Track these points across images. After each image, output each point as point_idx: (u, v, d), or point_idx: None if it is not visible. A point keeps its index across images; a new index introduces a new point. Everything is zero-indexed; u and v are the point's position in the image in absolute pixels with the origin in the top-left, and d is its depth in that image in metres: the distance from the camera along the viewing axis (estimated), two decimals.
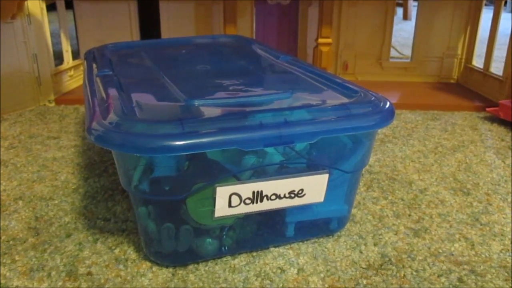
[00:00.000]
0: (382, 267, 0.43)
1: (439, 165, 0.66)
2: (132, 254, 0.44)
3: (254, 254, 0.44)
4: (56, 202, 0.54)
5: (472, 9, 1.05)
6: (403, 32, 1.91)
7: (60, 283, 0.40)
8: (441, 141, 0.76)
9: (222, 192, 0.39)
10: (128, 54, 0.67)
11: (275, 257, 0.44)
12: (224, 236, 0.43)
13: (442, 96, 1.00)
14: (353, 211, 0.53)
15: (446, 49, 1.10)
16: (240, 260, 0.43)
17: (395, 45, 1.35)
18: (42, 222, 0.50)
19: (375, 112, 0.40)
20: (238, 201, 0.40)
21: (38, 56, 0.89)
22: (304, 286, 0.40)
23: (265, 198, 0.40)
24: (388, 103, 0.42)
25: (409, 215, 0.52)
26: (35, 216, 0.51)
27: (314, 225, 0.47)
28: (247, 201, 0.40)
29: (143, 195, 0.39)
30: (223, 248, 0.43)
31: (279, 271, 0.42)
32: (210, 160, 0.39)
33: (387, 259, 0.44)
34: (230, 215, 0.41)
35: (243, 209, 0.40)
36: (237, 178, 0.39)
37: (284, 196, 0.41)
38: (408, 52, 1.23)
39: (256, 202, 0.40)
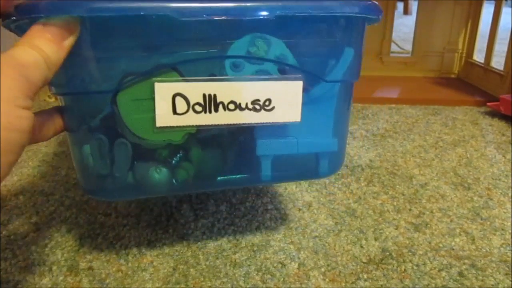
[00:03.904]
0: (383, 261, 0.43)
1: (439, 160, 0.66)
2: (133, 248, 0.44)
3: (255, 248, 0.44)
4: (57, 197, 0.54)
5: (473, 3, 1.05)
6: (404, 27, 1.90)
7: (61, 278, 0.40)
8: (441, 136, 0.76)
9: (163, 91, 0.31)
10: None
11: (276, 252, 0.44)
12: (177, 166, 0.35)
13: (443, 91, 1.00)
14: (354, 205, 0.53)
15: (446, 43, 1.10)
16: (241, 255, 0.44)
17: (396, 40, 1.35)
18: (43, 217, 0.50)
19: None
20: (186, 106, 0.32)
21: None
22: (305, 281, 0.40)
23: (220, 106, 0.32)
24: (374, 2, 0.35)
25: (410, 210, 0.52)
26: (36, 211, 0.51)
27: (298, 164, 0.38)
28: (197, 107, 0.32)
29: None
30: (174, 180, 0.35)
31: (280, 265, 0.42)
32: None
33: (388, 253, 0.44)
34: (177, 126, 0.32)
35: (192, 119, 0.32)
36: (180, 73, 0.32)
37: (247, 107, 0.33)
38: (408, 47, 1.23)
39: (210, 111, 0.32)
